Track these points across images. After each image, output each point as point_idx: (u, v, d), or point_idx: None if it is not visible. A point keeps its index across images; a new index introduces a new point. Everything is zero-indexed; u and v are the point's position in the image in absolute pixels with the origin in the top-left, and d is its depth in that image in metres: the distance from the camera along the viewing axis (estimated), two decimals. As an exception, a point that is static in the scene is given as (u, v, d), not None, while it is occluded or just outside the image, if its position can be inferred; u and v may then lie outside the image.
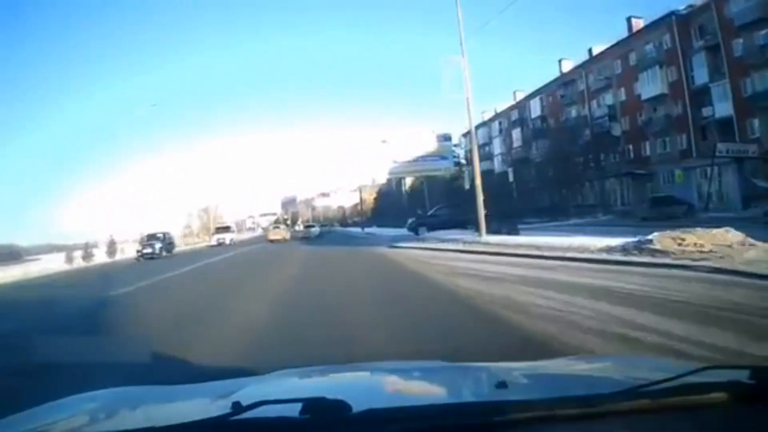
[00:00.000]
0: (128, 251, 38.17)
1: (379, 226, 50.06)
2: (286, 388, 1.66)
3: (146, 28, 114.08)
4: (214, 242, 45.12)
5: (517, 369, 1.66)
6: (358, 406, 1.07)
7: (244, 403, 1.06)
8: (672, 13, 34.30)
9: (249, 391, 1.52)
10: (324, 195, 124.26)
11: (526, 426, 1.10)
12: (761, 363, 1.19)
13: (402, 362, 2.15)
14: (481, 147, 45.13)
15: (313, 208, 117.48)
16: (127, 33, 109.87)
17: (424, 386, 1.70)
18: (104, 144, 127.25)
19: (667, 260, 8.83)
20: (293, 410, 1.06)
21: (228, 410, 1.06)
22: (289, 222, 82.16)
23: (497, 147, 58.69)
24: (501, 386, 1.27)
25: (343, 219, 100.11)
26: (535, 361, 1.89)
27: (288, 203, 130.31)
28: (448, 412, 1.15)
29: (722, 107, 31.63)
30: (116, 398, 1.57)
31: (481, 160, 30.55)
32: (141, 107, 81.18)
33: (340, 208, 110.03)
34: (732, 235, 9.54)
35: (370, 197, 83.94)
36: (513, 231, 19.46)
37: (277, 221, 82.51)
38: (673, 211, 25.35)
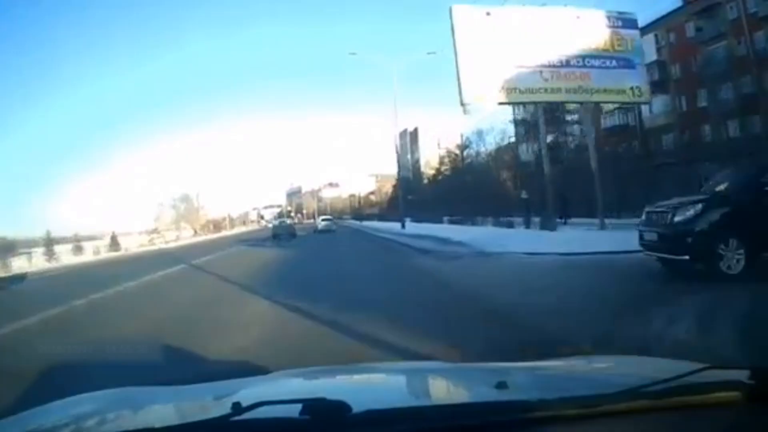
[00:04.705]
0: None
1: (415, 220, 36.52)
2: (286, 389, 1.66)
3: (142, 16, 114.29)
4: None
5: (517, 369, 1.67)
6: (358, 406, 1.07)
7: (244, 403, 1.06)
8: None
9: (249, 391, 1.52)
10: (332, 185, 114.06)
11: (526, 426, 1.10)
12: (761, 363, 1.18)
13: (402, 363, 2.15)
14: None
15: (320, 199, 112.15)
16: (121, 23, 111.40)
17: (424, 387, 1.70)
18: (98, 136, 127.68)
19: None
20: (293, 411, 1.06)
21: (228, 411, 1.06)
22: (293, 214, 79.20)
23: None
24: (501, 386, 1.26)
25: (358, 209, 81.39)
26: (535, 361, 1.89)
27: (293, 194, 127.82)
28: (448, 413, 1.15)
29: None
30: (116, 399, 1.57)
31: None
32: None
33: (352, 197, 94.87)
34: None
35: (386, 186, 75.94)
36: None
37: (280, 214, 79.76)
38: None
